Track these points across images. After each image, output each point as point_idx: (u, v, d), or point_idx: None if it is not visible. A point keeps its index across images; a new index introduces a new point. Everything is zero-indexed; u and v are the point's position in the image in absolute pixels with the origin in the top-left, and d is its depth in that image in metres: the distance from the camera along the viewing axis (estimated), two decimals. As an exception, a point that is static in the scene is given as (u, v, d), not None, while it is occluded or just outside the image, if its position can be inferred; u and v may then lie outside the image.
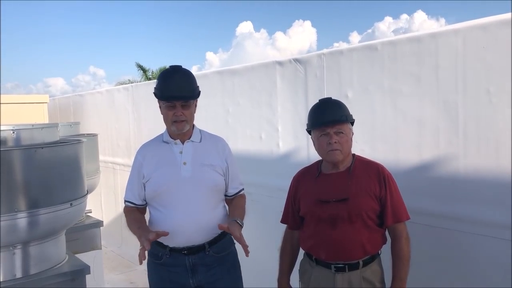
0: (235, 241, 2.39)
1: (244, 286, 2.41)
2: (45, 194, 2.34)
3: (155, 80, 2.34)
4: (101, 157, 4.97)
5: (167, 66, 2.36)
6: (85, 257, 2.95)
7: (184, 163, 2.25)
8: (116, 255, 5.74)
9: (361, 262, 2.08)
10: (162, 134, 2.36)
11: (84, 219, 3.96)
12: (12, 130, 2.45)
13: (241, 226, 2.18)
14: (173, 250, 2.24)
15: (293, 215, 2.31)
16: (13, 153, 2.26)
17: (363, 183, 2.11)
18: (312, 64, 3.11)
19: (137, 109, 5.45)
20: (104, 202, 6.22)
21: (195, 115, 2.31)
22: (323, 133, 2.13)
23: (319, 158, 2.25)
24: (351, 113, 2.20)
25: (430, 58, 2.39)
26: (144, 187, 2.29)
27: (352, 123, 2.21)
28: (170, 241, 2.23)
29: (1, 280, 2.29)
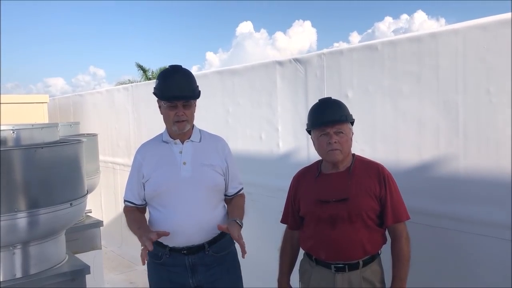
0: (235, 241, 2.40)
1: (244, 286, 2.41)
2: (45, 194, 2.34)
3: (155, 80, 2.34)
4: (101, 157, 4.97)
5: (167, 66, 2.36)
6: (85, 257, 2.95)
7: (184, 163, 2.25)
8: (116, 255, 5.74)
9: (361, 262, 2.08)
10: (161, 134, 2.36)
11: (84, 219, 3.96)
12: (12, 130, 2.45)
13: (241, 226, 2.17)
14: (173, 250, 2.24)
15: (293, 215, 2.31)
16: (13, 153, 2.26)
17: (363, 183, 2.11)
18: (312, 64, 3.11)
19: (137, 109, 5.45)
20: (104, 202, 6.22)
21: (195, 115, 2.31)
22: (323, 133, 2.13)
23: (319, 158, 2.25)
24: (351, 113, 2.20)
25: (430, 58, 2.39)
26: (144, 187, 2.29)
27: (352, 123, 2.21)
28: (170, 241, 2.23)
29: (1, 280, 2.29)
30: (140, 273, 4.86)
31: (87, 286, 2.59)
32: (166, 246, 2.25)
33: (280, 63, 3.37)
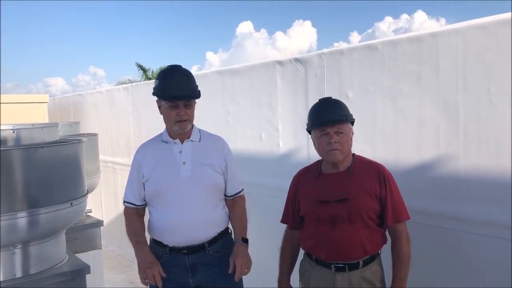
0: (234, 240, 2.40)
1: (244, 285, 2.41)
2: (45, 193, 2.34)
3: (155, 80, 2.34)
4: (101, 157, 4.97)
5: (167, 66, 2.36)
6: (85, 257, 2.95)
7: (184, 163, 2.25)
8: (116, 255, 5.74)
9: (361, 262, 2.08)
10: (161, 134, 2.36)
11: (84, 219, 3.96)
12: (12, 129, 2.45)
13: (247, 245, 2.26)
14: (173, 249, 2.24)
15: (293, 215, 2.31)
16: (13, 152, 2.26)
17: (363, 183, 2.10)
18: (312, 64, 3.11)
19: (137, 108, 5.45)
20: (104, 202, 6.22)
21: (195, 115, 2.31)
22: (323, 133, 2.13)
23: (319, 158, 2.25)
24: (351, 113, 2.20)
25: (431, 58, 2.39)
26: (144, 186, 2.29)
27: (352, 123, 2.21)
28: (169, 241, 2.24)
29: (1, 280, 2.29)
30: (140, 273, 4.85)
31: (87, 286, 2.59)
32: (166, 246, 2.25)
33: (280, 63, 3.37)
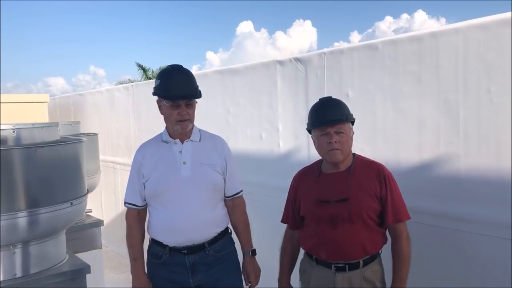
0: (235, 240, 2.40)
1: (244, 285, 2.41)
2: (45, 193, 2.34)
3: (155, 80, 2.34)
4: (101, 157, 4.97)
5: (167, 66, 2.36)
6: (85, 257, 2.95)
7: (184, 163, 2.25)
8: (116, 254, 5.74)
9: (361, 262, 2.08)
10: (161, 134, 2.36)
11: (84, 219, 3.96)
12: (12, 129, 2.45)
13: (254, 255, 2.40)
14: (173, 249, 2.24)
15: (293, 215, 2.31)
16: (13, 152, 2.26)
17: (364, 183, 2.10)
18: (312, 64, 3.11)
19: (137, 108, 5.45)
20: (104, 202, 6.22)
21: (195, 114, 2.31)
22: (323, 133, 2.13)
23: (320, 157, 2.25)
24: (351, 112, 2.20)
25: (431, 57, 2.38)
26: (144, 186, 2.29)
27: (353, 123, 2.21)
28: (170, 241, 2.24)
29: (1, 280, 2.29)
30: (141, 273, 4.85)
31: (87, 286, 2.59)
32: (166, 245, 2.25)
33: (280, 62, 3.37)
